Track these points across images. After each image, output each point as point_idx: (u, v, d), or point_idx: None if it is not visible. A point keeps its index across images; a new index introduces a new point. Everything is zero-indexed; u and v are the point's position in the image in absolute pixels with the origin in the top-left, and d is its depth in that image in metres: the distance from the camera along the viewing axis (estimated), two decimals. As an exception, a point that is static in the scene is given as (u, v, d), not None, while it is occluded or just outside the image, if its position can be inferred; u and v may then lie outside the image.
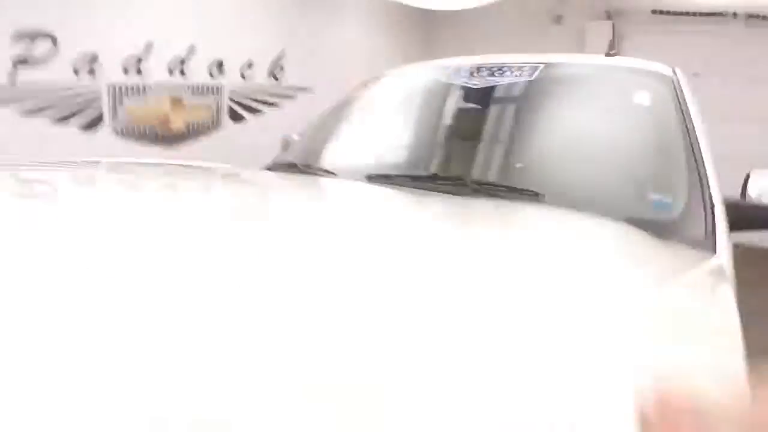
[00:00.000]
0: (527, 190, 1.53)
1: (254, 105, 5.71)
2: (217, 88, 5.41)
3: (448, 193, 1.55)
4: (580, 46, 6.69)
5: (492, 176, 1.73)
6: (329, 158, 2.09)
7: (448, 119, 2.08)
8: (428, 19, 7.62)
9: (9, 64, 3.92)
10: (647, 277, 0.93)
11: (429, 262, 0.82)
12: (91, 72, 4.42)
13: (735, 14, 6.06)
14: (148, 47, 4.76)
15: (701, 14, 6.20)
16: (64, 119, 4.29)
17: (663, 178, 1.63)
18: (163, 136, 5.03)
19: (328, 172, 1.88)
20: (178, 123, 5.14)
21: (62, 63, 4.22)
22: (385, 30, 7.31)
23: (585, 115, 1.95)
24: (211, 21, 5.23)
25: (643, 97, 1.92)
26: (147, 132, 4.91)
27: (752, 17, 6.01)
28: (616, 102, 1.95)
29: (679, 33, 6.35)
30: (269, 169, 2.10)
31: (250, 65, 5.63)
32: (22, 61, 3.97)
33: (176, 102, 5.10)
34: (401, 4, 6.44)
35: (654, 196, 1.56)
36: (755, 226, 1.58)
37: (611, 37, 2.13)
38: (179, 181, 1.58)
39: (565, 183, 1.63)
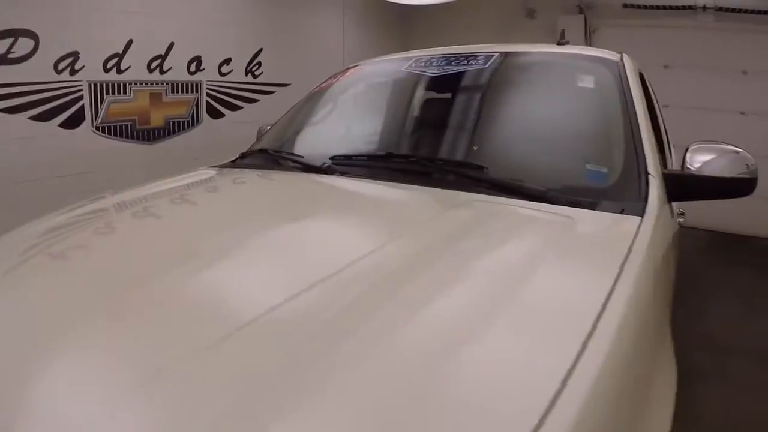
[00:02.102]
0: (473, 164, 1.73)
1: (232, 101, 5.90)
2: (196, 85, 5.59)
3: (402, 170, 1.75)
4: (553, 40, 6.92)
5: (443, 153, 1.93)
6: (298, 143, 2.29)
7: (404, 104, 2.31)
8: (404, 14, 7.84)
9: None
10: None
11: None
12: (72, 70, 4.58)
13: (705, 7, 6.22)
14: (128, 45, 4.93)
15: (672, 7, 6.38)
16: (45, 117, 4.44)
17: (599, 153, 1.82)
18: (143, 132, 5.20)
19: (297, 155, 2.08)
20: (157, 119, 5.31)
21: (44, 61, 4.38)
22: (362, 25, 7.50)
23: (532, 97, 2.18)
24: (189, 19, 5.41)
25: (586, 80, 2.10)
26: (128, 129, 5.07)
27: (721, 10, 6.18)
28: (561, 85, 2.17)
29: (650, 27, 6.57)
30: (243, 156, 2.29)
31: (228, 62, 5.82)
32: (3, 60, 4.12)
33: (155, 98, 5.27)
34: (377, 0, 6.64)
35: (589, 168, 1.74)
36: (695, 195, 1.72)
37: (563, 33, 2.29)
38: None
39: (508, 158, 1.85)
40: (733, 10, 6.11)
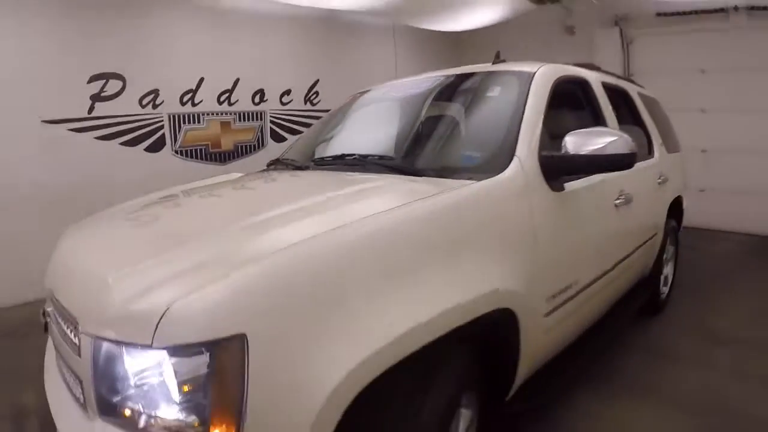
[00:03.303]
0: (387, 156, 2.41)
1: (293, 126, 6.59)
2: (260, 114, 6.38)
3: (353, 167, 2.34)
4: (590, 52, 7.09)
5: (373, 151, 2.51)
6: (297, 153, 3.03)
7: (366, 119, 3.06)
8: (453, 37, 8.25)
9: (89, 101, 5.05)
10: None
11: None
12: (154, 104, 5.50)
13: (736, 8, 6.09)
14: (201, 82, 5.81)
15: (703, 12, 6.30)
16: (133, 143, 5.36)
17: (478, 144, 2.26)
18: (215, 155, 6.02)
19: (291, 161, 2.84)
20: (227, 144, 6.13)
21: (130, 97, 5.31)
22: (413, 52, 8.04)
23: (447, 108, 2.70)
24: (252, 57, 6.21)
25: (495, 91, 2.52)
26: (202, 152, 5.92)
27: (754, 9, 6.03)
28: (473, 96, 2.64)
29: (684, 32, 6.52)
30: (269, 164, 3.05)
31: (288, 92, 6.58)
32: (97, 98, 5.09)
33: (225, 126, 6.09)
34: (425, 29, 7.21)
35: (466, 153, 2.26)
36: (571, 171, 2.11)
37: (498, 54, 2.68)
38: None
39: (414, 150, 2.45)
40: (765, 8, 5.94)
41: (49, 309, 1.66)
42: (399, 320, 1.32)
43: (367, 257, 1.36)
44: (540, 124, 2.14)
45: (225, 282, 1.15)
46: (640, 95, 3.76)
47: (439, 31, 7.20)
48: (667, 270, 4.03)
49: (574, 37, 7.37)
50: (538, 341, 1.96)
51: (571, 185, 2.16)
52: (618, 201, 2.60)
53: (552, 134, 2.18)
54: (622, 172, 2.58)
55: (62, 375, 1.59)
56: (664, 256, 3.81)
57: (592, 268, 2.36)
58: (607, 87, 3.07)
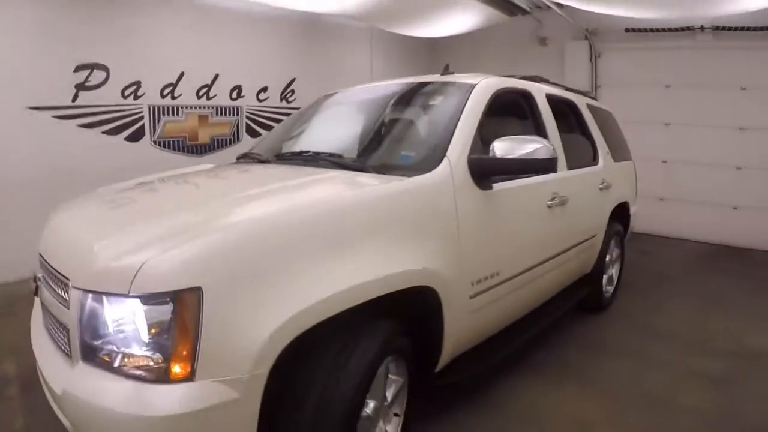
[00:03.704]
0: (336, 154, 2.72)
1: (268, 123, 6.90)
2: (237, 109, 6.67)
3: (308, 162, 2.69)
4: (561, 63, 7.51)
5: (326, 149, 2.83)
6: (263, 148, 3.33)
7: (324, 120, 3.41)
8: (428, 43, 8.66)
9: (72, 89, 5.31)
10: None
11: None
12: (136, 96, 5.77)
13: (702, 27, 6.55)
14: (181, 76, 6.09)
15: (671, 30, 6.75)
16: (114, 132, 5.63)
17: (416, 146, 2.63)
18: (192, 147, 6.30)
19: (259, 156, 3.14)
20: (204, 137, 6.42)
21: (113, 88, 5.58)
22: (388, 55, 8.40)
23: (397, 112, 3.05)
24: (231, 54, 6.50)
25: (437, 100, 2.90)
26: (179, 144, 6.20)
27: (719, 29, 6.50)
28: (418, 104, 3.02)
29: (652, 49, 6.98)
30: (239, 157, 3.36)
31: (265, 89, 6.88)
32: (82, 87, 5.36)
33: (203, 120, 6.37)
34: (400, 34, 7.56)
35: (403, 153, 2.62)
36: (497, 172, 2.45)
37: (447, 66, 3.07)
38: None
39: (360, 150, 2.79)
40: (730, 29, 6.40)
41: (40, 275, 1.97)
42: (331, 284, 1.67)
43: (308, 233, 1.71)
44: (473, 131, 2.49)
45: (187, 246, 1.49)
46: (589, 107, 4.14)
47: (415, 37, 7.57)
48: (613, 271, 4.43)
49: (546, 48, 7.79)
50: (463, 320, 2.31)
51: (500, 185, 2.52)
52: (551, 202, 2.97)
53: (489, 140, 2.51)
54: (556, 174, 2.99)
55: (48, 331, 1.91)
56: (608, 257, 4.20)
57: (520, 260, 2.72)
58: (551, 99, 3.44)
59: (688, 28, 6.69)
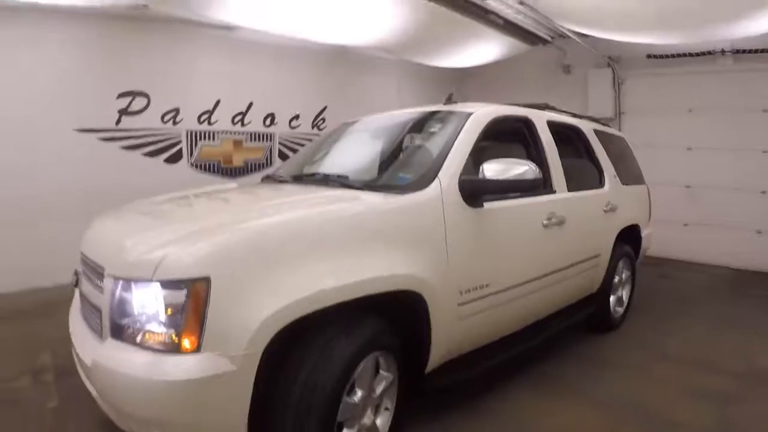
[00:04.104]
0: (343, 176, 3.07)
1: (299, 148, 7.31)
2: (270, 135, 7.16)
3: (319, 183, 3.08)
4: (585, 90, 7.75)
5: (335, 171, 3.23)
6: (285, 170, 3.74)
7: (340, 145, 3.79)
8: (455, 72, 8.99)
9: (116, 114, 5.85)
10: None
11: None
12: (174, 121, 6.29)
13: (723, 51, 6.71)
14: (217, 104, 6.61)
15: (692, 54, 6.93)
16: (153, 154, 6.14)
17: (413, 168, 2.91)
18: (226, 170, 6.78)
19: (280, 177, 3.54)
20: (238, 160, 6.90)
21: (154, 114, 6.11)
22: (415, 84, 8.81)
23: (402, 138, 3.40)
24: (266, 84, 7.02)
25: (436, 128, 3.23)
26: (214, 166, 6.68)
27: (739, 52, 6.65)
28: (421, 129, 3.37)
29: (673, 74, 7.17)
30: (263, 178, 3.77)
31: (297, 117, 7.37)
32: (125, 112, 5.89)
33: (237, 145, 6.87)
34: (425, 64, 7.94)
35: (402, 175, 2.91)
36: (485, 192, 2.73)
37: (450, 96, 3.50)
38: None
39: (365, 172, 3.16)
40: (750, 52, 6.55)
41: (80, 269, 2.36)
42: (318, 283, 1.98)
43: (301, 238, 2.04)
44: (466, 154, 2.80)
45: (200, 244, 1.85)
46: (597, 132, 4.38)
47: (439, 67, 7.96)
48: (623, 292, 4.60)
49: (570, 76, 8.06)
50: (451, 325, 2.58)
51: (492, 204, 2.80)
52: (547, 221, 3.22)
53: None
54: (554, 195, 3.27)
55: (84, 316, 2.30)
56: (617, 278, 4.39)
57: (511, 274, 2.97)
58: (553, 125, 3.71)
59: (709, 53, 6.87)
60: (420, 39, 6.60)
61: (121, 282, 1.89)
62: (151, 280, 1.78)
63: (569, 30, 6.42)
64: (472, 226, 2.69)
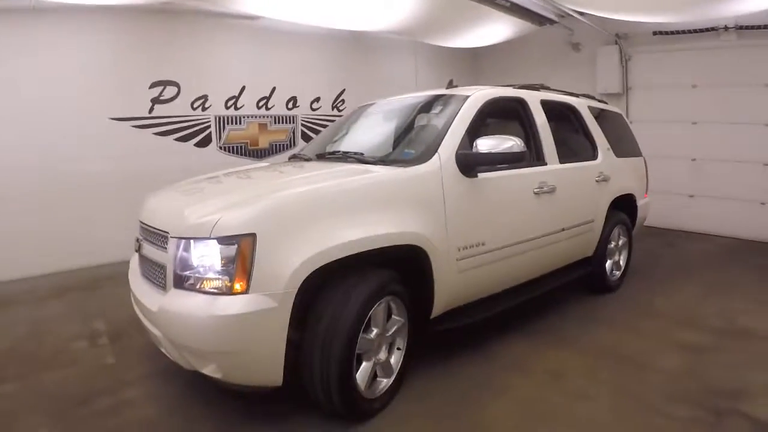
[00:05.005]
0: (358, 153, 3.54)
1: (320, 129, 7.83)
2: (293, 118, 7.69)
3: (338, 160, 3.57)
4: (593, 68, 8.12)
5: (353, 148, 3.72)
6: (309, 150, 4.24)
7: (358, 125, 4.30)
8: (468, 52, 9.44)
9: (149, 103, 6.43)
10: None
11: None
12: (203, 107, 6.84)
13: (726, 27, 6.99)
14: (242, 90, 7.15)
15: (696, 30, 7.21)
16: (184, 139, 6.71)
17: (417, 144, 3.42)
18: (253, 152, 7.34)
19: (303, 155, 4.06)
20: (264, 143, 7.45)
21: (184, 101, 6.68)
22: (432, 65, 9.25)
23: (404, 120, 3.91)
24: (287, 69, 7.55)
25: (438, 109, 3.71)
26: (242, 149, 7.25)
27: (743, 28, 6.91)
28: (423, 112, 3.84)
29: (678, 50, 7.48)
30: (289, 158, 4.27)
31: (318, 100, 7.89)
32: (157, 101, 6.47)
33: (262, 128, 7.42)
34: (441, 46, 8.36)
35: (407, 150, 3.42)
36: (478, 164, 3.21)
37: (451, 81, 4.01)
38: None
39: (377, 149, 3.68)
40: (753, 27, 6.82)
41: (140, 236, 2.96)
42: (346, 235, 2.52)
43: (326, 203, 2.58)
44: (463, 132, 3.30)
45: (247, 209, 2.41)
46: (591, 108, 4.81)
47: (454, 48, 8.38)
48: (620, 257, 5.06)
49: (579, 54, 8.40)
50: (451, 277, 3.10)
51: (486, 175, 3.30)
52: (538, 189, 3.71)
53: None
54: (545, 167, 3.75)
55: (143, 274, 2.89)
56: (613, 244, 4.86)
57: (504, 234, 3.47)
58: (547, 103, 4.16)
59: (713, 29, 7.14)
60: (433, 22, 7.03)
61: (183, 242, 2.43)
62: (209, 238, 2.32)
63: (572, 10, 6.78)
64: (467, 193, 3.19)
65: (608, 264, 4.84)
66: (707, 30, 7.18)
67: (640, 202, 5.26)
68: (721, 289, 5.08)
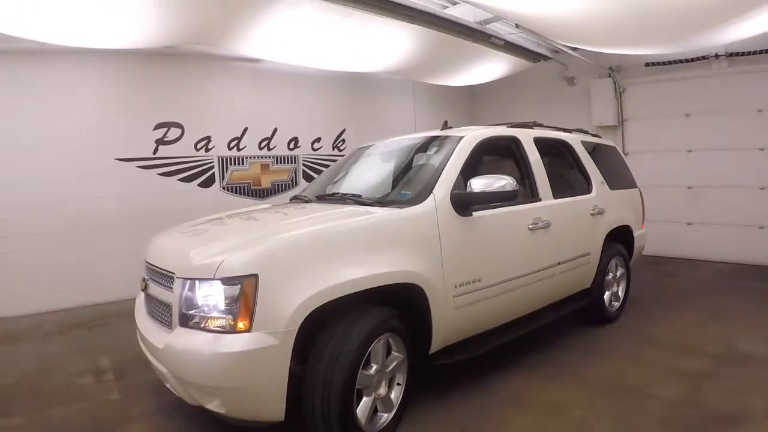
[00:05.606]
0: (357, 195, 3.70)
1: (322, 169, 8.05)
2: (294, 158, 7.90)
3: (337, 201, 3.72)
4: (588, 101, 8.33)
5: (350, 190, 3.87)
6: (309, 191, 4.41)
7: (354, 167, 4.49)
8: (465, 90, 9.72)
9: (153, 144, 6.64)
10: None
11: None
12: (207, 148, 7.05)
13: (717, 55, 7.23)
14: (245, 131, 7.37)
15: (688, 60, 7.45)
16: (188, 179, 6.89)
17: (413, 186, 3.56)
18: (255, 191, 7.53)
19: (304, 197, 4.23)
20: (266, 182, 7.64)
21: (187, 142, 6.89)
22: (430, 104, 9.51)
23: (406, 160, 4.08)
24: (289, 110, 7.79)
25: (432, 150, 3.88)
26: (244, 189, 7.43)
27: (733, 55, 7.14)
28: (421, 152, 4.01)
29: (671, 80, 7.70)
30: (291, 199, 4.45)
31: (318, 140, 8.11)
32: (161, 142, 6.68)
33: (264, 168, 7.62)
34: (438, 84, 8.60)
35: (403, 192, 3.57)
36: (472, 203, 3.36)
37: (446, 122, 4.27)
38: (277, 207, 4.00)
39: (375, 190, 3.86)
40: (744, 54, 7.06)
41: (146, 276, 3.10)
42: (346, 275, 2.65)
43: (328, 244, 2.72)
44: (457, 172, 3.45)
45: (249, 250, 2.54)
46: (584, 143, 4.96)
47: (451, 86, 8.63)
48: (618, 288, 5.14)
49: (574, 87, 8.63)
50: (448, 313, 3.20)
51: (481, 213, 3.43)
52: (532, 225, 3.83)
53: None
54: (539, 203, 3.89)
55: (150, 313, 3.02)
56: (610, 275, 4.95)
57: (500, 270, 3.58)
58: (539, 141, 4.32)
59: (704, 57, 7.39)
60: (430, 62, 7.30)
61: (188, 282, 2.56)
62: (213, 278, 2.45)
63: (565, 46, 7.01)
64: (462, 231, 3.32)
65: (607, 295, 4.93)
66: (699, 59, 7.44)
67: (636, 233, 5.37)
68: (721, 314, 5.16)
